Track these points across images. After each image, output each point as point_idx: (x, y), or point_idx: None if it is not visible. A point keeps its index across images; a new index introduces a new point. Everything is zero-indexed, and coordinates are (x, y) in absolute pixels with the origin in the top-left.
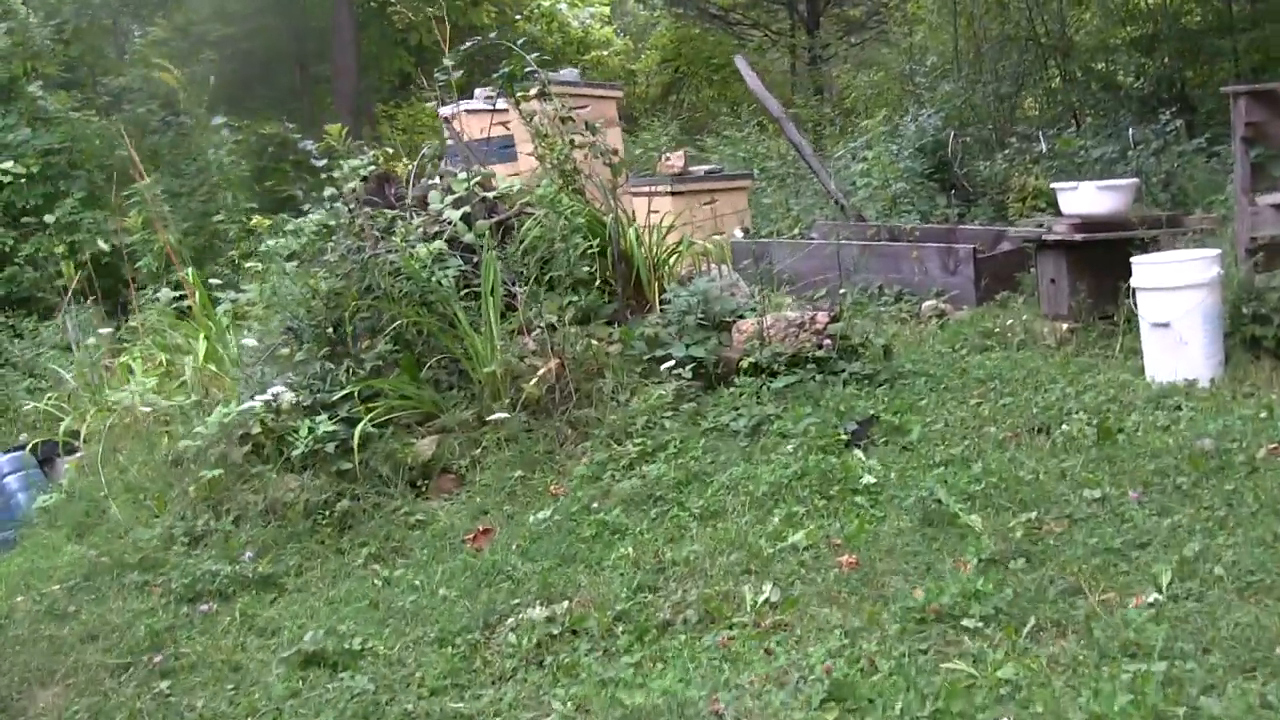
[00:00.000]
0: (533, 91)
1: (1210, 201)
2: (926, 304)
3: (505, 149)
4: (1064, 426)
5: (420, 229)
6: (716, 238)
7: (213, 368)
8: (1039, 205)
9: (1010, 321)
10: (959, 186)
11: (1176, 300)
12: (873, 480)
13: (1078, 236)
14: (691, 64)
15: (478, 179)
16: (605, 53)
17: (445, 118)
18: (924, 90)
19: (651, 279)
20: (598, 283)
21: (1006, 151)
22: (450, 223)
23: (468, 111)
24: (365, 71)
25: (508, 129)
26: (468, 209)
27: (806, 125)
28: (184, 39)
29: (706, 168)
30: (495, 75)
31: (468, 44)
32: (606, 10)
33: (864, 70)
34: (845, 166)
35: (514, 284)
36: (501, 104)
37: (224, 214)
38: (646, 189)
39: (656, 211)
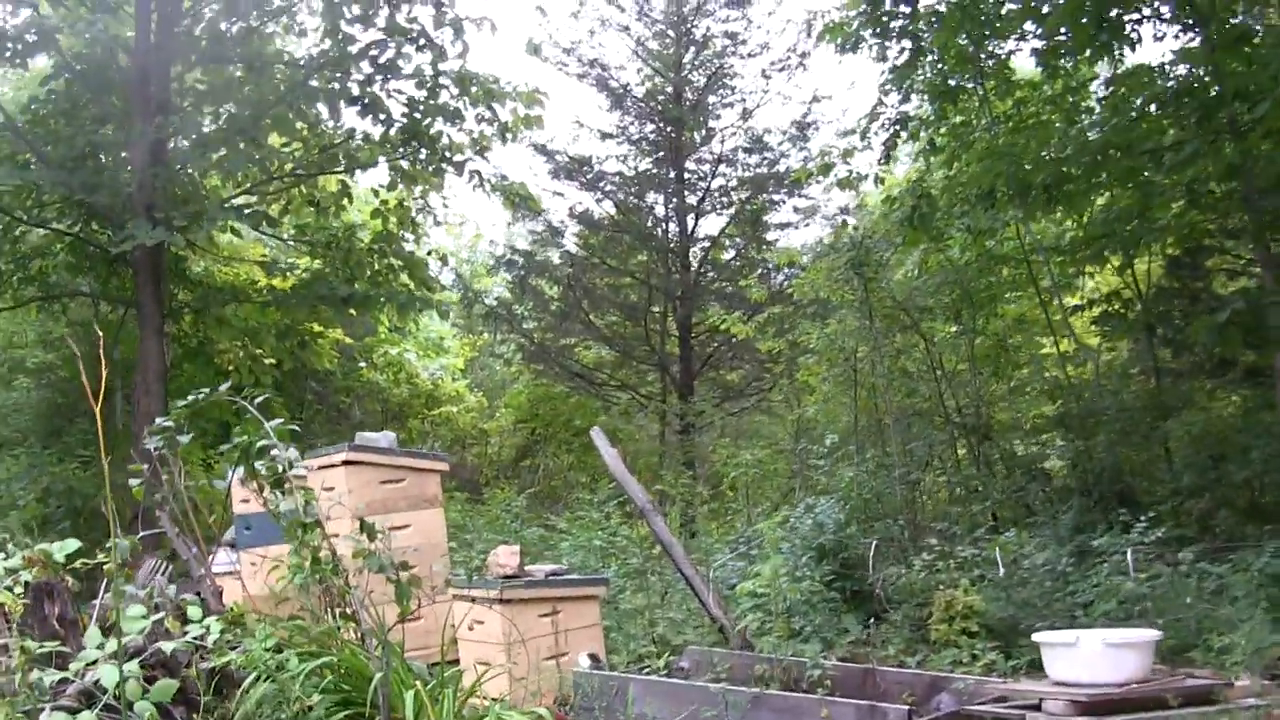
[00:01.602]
0: (293, 471)
1: (1226, 650)
2: None
3: None
4: None
5: (80, 683)
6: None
7: None
8: (969, 629)
9: None
10: (877, 604)
11: None
12: None
13: None
14: (550, 426)
15: (165, 614)
16: (456, 409)
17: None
18: (821, 475)
19: None
20: None
21: (926, 556)
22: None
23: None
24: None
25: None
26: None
27: (676, 502)
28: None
29: (548, 568)
30: (225, 447)
31: (189, 398)
32: (460, 364)
33: (743, 442)
34: (723, 565)
35: None
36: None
37: None
38: (469, 594)
39: (481, 622)
